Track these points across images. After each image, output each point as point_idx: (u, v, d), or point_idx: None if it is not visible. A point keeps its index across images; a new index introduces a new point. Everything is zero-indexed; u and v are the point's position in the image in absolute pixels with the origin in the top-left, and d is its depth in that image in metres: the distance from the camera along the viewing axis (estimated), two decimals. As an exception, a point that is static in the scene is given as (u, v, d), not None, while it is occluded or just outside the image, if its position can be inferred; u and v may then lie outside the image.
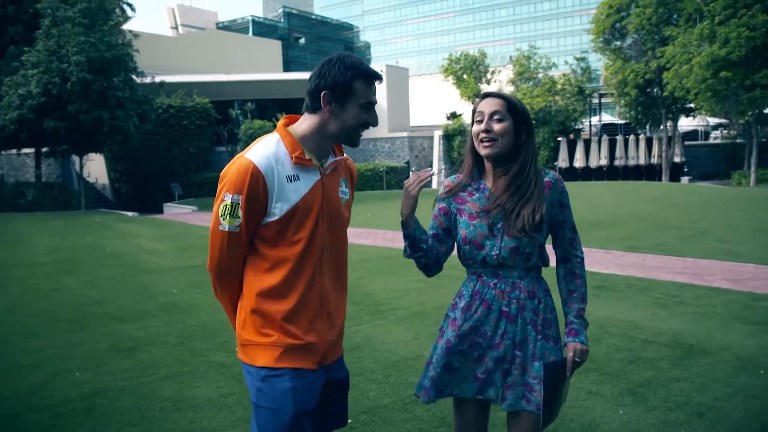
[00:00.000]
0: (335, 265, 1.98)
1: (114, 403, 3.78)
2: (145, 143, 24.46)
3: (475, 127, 2.01)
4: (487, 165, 2.07)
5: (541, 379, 1.93)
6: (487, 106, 1.99)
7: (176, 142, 26.51)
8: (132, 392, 3.94)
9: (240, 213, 1.80)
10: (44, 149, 22.83)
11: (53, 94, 18.54)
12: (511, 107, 1.99)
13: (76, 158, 23.60)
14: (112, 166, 27.92)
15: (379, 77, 1.89)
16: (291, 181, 1.84)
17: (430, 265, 2.10)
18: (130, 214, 20.69)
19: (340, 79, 1.82)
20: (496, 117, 1.97)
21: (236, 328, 1.95)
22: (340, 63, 1.84)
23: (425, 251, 2.06)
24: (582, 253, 2.08)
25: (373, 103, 1.89)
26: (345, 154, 2.03)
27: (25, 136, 19.95)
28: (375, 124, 1.91)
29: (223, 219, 1.82)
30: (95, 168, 28.38)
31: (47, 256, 10.24)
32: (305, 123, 1.91)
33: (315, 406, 1.91)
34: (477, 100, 2.06)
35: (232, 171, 1.82)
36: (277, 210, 1.82)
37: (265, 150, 1.84)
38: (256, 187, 1.79)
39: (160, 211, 23.06)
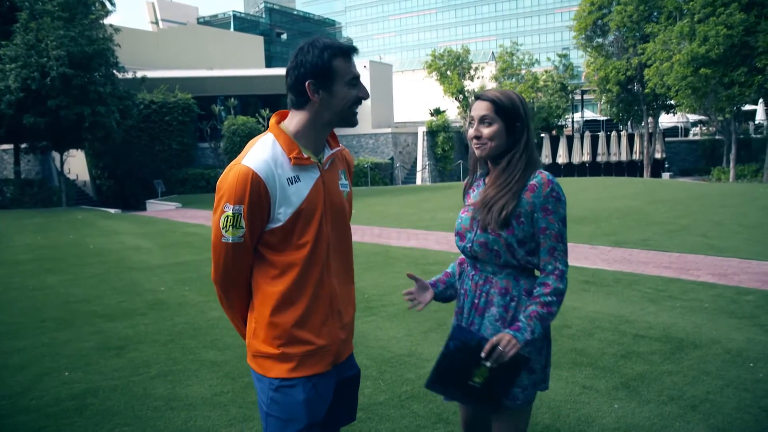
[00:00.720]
0: (342, 262, 1.94)
1: (105, 402, 3.73)
2: (127, 139, 24.15)
3: (469, 131, 2.05)
4: (489, 162, 2.11)
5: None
6: (477, 110, 2.02)
7: (159, 138, 26.22)
8: (123, 391, 3.89)
9: (243, 223, 1.74)
10: (23, 145, 22.42)
11: (32, 89, 18.19)
12: (499, 109, 1.98)
13: (56, 154, 23.23)
14: (94, 163, 27.54)
15: (355, 50, 1.83)
16: (292, 184, 1.78)
17: None
18: (112, 211, 20.43)
19: (319, 62, 1.75)
20: (485, 121, 2.00)
21: (246, 337, 1.91)
22: (312, 47, 1.77)
23: (447, 288, 2.22)
24: (564, 266, 1.95)
25: (358, 76, 1.82)
26: (340, 144, 1.98)
27: (3, 132, 19.58)
28: (366, 96, 1.85)
29: (226, 231, 1.76)
30: (76, 164, 27.98)
31: (29, 254, 10.06)
32: (296, 119, 1.84)
33: (325, 413, 1.90)
34: (472, 100, 2.10)
35: (230, 180, 1.74)
36: (281, 215, 1.77)
37: (263, 154, 1.77)
38: (258, 195, 1.73)
39: (143, 208, 22.79)
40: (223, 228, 1.76)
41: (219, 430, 3.32)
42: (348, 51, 1.80)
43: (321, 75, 1.76)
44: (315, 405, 1.84)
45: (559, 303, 1.93)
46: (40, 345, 4.94)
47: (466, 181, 2.22)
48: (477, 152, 2.03)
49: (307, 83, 1.77)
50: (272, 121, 1.88)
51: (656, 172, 31.71)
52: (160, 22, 59.11)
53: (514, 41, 37.10)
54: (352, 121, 1.87)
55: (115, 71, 20.92)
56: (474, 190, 2.14)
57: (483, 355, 1.85)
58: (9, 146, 24.24)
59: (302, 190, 1.79)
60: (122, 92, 21.00)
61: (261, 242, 1.82)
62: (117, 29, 21.93)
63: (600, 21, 31.33)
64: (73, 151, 24.04)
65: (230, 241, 1.77)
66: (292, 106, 1.84)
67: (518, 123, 2.00)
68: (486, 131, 1.99)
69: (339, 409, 2.02)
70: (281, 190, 1.76)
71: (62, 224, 15.26)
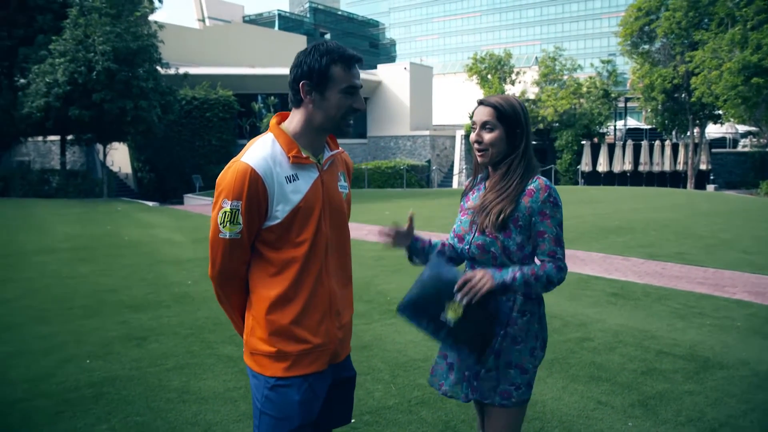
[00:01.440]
0: (340, 262, 1.95)
1: (121, 391, 3.80)
2: (168, 134, 24.68)
3: (471, 135, 2.08)
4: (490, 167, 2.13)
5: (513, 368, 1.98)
6: (479, 115, 2.05)
7: (199, 133, 26.70)
8: (139, 382, 3.96)
9: (241, 219, 1.77)
10: (69, 137, 23.14)
11: (79, 83, 18.77)
12: (501, 115, 2.01)
13: (100, 147, 23.89)
14: (136, 156, 28.24)
15: (358, 59, 1.83)
16: (290, 182, 1.80)
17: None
18: (150, 203, 20.90)
19: (316, 65, 1.77)
20: (487, 127, 2.03)
21: (244, 335, 1.92)
22: (314, 50, 1.80)
23: (423, 253, 2.21)
24: (564, 264, 1.99)
25: (356, 86, 1.82)
26: (340, 147, 2.00)
27: (51, 124, 20.25)
28: (362, 108, 1.86)
29: (223, 227, 1.78)
30: (119, 157, 28.73)
31: (67, 243, 10.37)
32: (295, 119, 1.87)
33: (318, 412, 1.91)
34: (475, 106, 2.11)
35: (228, 176, 1.77)
36: (279, 212, 1.79)
37: (262, 152, 1.80)
38: (256, 192, 1.75)
39: (181, 201, 23.27)
40: (220, 224, 1.79)
41: (227, 425, 3.34)
42: (348, 59, 1.80)
43: (316, 78, 1.78)
44: (310, 405, 1.85)
45: (544, 286, 1.95)
46: (66, 332, 5.07)
47: (467, 183, 2.23)
48: (479, 159, 2.07)
49: (301, 83, 1.80)
50: (272, 121, 1.91)
51: (700, 184, 30.80)
52: (207, 20, 60.34)
53: (557, 46, 36.53)
54: (344, 131, 1.88)
55: (158, 67, 21.39)
56: (474, 193, 2.16)
57: (455, 288, 1.88)
58: (56, 138, 25.05)
59: (301, 188, 1.81)
60: (164, 88, 21.47)
61: (259, 240, 1.84)
62: (161, 26, 22.44)
63: (647, 27, 30.58)
64: (116, 144, 24.70)
65: (227, 237, 1.79)
66: (292, 104, 1.87)
67: (518, 129, 2.04)
68: (487, 137, 2.03)
69: (333, 410, 2.03)
70: (279, 188, 1.78)
71: (101, 215, 15.69)
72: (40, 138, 26.09)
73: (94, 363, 4.32)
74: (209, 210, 16.58)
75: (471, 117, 2.11)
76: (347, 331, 1.99)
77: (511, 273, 1.94)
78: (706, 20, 28.77)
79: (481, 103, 2.07)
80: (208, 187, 26.26)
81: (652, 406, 3.51)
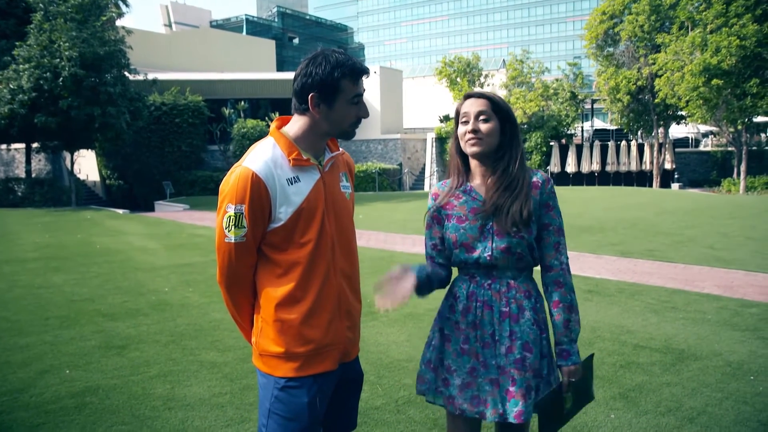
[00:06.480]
0: (348, 262, 1.96)
1: (104, 401, 3.75)
2: (138, 140, 24.30)
3: (461, 128, 2.01)
4: (473, 166, 2.05)
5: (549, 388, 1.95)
6: (472, 106, 1.98)
7: (168, 140, 26.30)
8: (122, 390, 3.92)
9: (245, 222, 1.78)
10: (35, 145, 22.62)
11: (45, 90, 18.37)
12: (496, 107, 1.99)
13: (67, 154, 23.41)
14: (104, 163, 27.71)
15: (366, 71, 1.86)
16: (292, 184, 1.82)
17: (444, 282, 2.15)
18: (120, 211, 20.54)
19: (328, 79, 1.78)
20: (482, 117, 1.97)
21: (252, 336, 1.94)
22: (325, 62, 1.80)
23: (430, 285, 2.08)
24: (567, 258, 2.02)
25: (361, 94, 1.85)
26: (341, 149, 2.02)
27: (15, 132, 19.75)
28: (365, 115, 1.89)
29: (228, 231, 1.80)
30: (87, 164, 28.17)
31: (36, 252, 10.14)
32: (297, 124, 1.89)
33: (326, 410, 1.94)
34: (460, 101, 2.05)
35: (232, 181, 1.79)
36: (282, 214, 1.81)
37: (263, 156, 1.82)
38: (258, 195, 1.77)
39: (152, 209, 22.91)
40: (226, 228, 1.80)
41: (216, 431, 3.33)
42: (359, 73, 1.82)
43: (326, 91, 1.80)
44: (318, 405, 1.88)
45: (574, 295, 1.99)
46: (42, 342, 4.98)
47: (442, 189, 2.10)
48: (471, 148, 1.97)
49: (310, 95, 1.81)
50: (273, 126, 1.93)
51: (666, 183, 31.54)
52: (174, 25, 59.64)
53: (525, 49, 37.07)
54: (349, 136, 1.92)
55: (126, 73, 21.07)
56: (459, 198, 2.03)
57: (564, 394, 1.94)
58: (21, 145, 24.45)
59: (303, 189, 1.83)
60: (133, 94, 21.14)
61: (264, 242, 1.86)
62: (129, 31, 22.11)
63: (611, 30, 31.26)
64: (83, 152, 24.21)
65: (233, 241, 1.80)
66: (295, 110, 1.89)
67: (509, 124, 2.01)
68: (484, 127, 1.97)
69: (341, 413, 2.04)
70: (281, 190, 1.80)
71: (70, 223, 15.37)
72: (3, 146, 25.42)
73: (74, 373, 4.25)
74: (182, 217, 16.38)
75: (456, 113, 2.03)
76: (357, 331, 2.01)
77: (573, 343, 1.95)
78: (667, 24, 29.55)
79: (471, 96, 2.01)
80: (179, 193, 25.89)
81: (633, 397, 3.61)
